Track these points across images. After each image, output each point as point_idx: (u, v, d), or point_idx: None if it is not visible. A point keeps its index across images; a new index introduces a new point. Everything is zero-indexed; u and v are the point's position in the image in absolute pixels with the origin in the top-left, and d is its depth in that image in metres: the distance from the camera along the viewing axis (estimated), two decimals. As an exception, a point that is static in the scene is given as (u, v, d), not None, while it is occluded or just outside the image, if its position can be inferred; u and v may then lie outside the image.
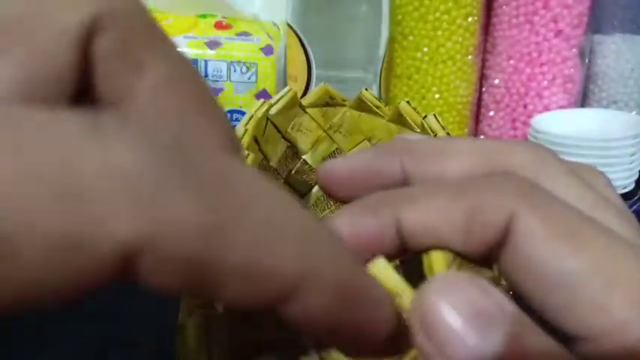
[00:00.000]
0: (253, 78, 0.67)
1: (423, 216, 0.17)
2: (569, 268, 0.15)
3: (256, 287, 0.12)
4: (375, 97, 0.36)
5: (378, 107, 0.36)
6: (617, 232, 0.16)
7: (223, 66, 0.66)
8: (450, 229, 0.17)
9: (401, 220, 0.17)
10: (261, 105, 0.32)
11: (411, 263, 0.19)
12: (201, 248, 0.11)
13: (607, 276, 0.15)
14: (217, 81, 0.66)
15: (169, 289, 0.12)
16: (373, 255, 0.17)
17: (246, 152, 0.24)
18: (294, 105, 0.36)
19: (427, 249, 0.17)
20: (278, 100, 0.34)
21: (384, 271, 0.15)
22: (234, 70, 0.66)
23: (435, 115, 0.31)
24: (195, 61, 0.66)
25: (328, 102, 0.37)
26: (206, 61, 0.66)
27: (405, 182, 0.19)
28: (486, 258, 0.17)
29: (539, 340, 0.14)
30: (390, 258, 0.17)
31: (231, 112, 0.68)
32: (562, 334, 0.16)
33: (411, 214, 0.17)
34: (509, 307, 0.14)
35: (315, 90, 0.36)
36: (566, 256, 0.15)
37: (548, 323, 0.16)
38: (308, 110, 0.37)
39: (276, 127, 0.35)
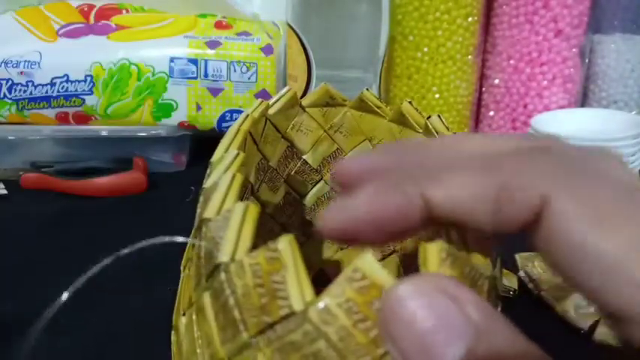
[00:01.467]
0: (253, 78, 0.67)
1: (452, 193, 0.17)
2: (607, 250, 0.15)
3: None
4: (376, 97, 0.36)
5: (379, 107, 0.35)
6: None
7: (223, 66, 0.66)
8: (480, 206, 0.16)
9: (428, 196, 0.17)
10: (259, 105, 0.32)
11: (408, 257, 0.19)
12: None
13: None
14: (217, 81, 0.66)
15: None
16: (397, 229, 0.17)
17: (237, 152, 0.24)
18: (294, 105, 0.36)
19: (454, 224, 0.17)
20: (277, 100, 0.34)
21: (370, 265, 0.15)
22: (234, 70, 0.66)
23: (439, 116, 0.30)
24: (195, 61, 0.66)
25: (328, 102, 0.37)
26: (206, 61, 0.66)
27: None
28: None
29: (506, 348, 0.14)
30: (411, 232, 0.17)
31: (231, 112, 0.68)
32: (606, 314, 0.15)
33: (438, 191, 0.17)
34: (476, 313, 0.14)
35: (315, 90, 0.36)
36: (603, 236, 0.15)
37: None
38: (308, 110, 0.37)
39: (275, 127, 0.35)
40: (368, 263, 0.15)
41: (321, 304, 0.15)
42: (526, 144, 0.18)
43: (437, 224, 0.17)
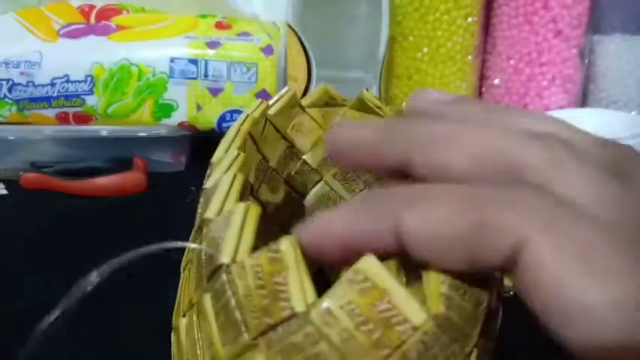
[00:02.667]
0: (253, 78, 0.67)
1: (425, 225, 0.16)
2: (590, 304, 0.14)
3: None
4: (375, 97, 0.36)
5: (379, 108, 0.35)
6: None
7: (223, 66, 0.66)
8: (453, 244, 0.15)
9: (401, 225, 0.16)
10: (259, 105, 0.32)
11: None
12: None
13: (633, 317, 0.13)
14: (217, 81, 0.66)
15: None
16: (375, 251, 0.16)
17: (237, 152, 0.24)
18: (294, 105, 0.36)
19: (425, 265, 0.16)
20: (277, 101, 0.34)
21: (372, 266, 0.15)
22: (234, 70, 0.66)
23: None
24: (195, 61, 0.66)
25: (328, 102, 0.37)
26: (206, 61, 0.66)
27: (407, 167, 0.18)
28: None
29: None
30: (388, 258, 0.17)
31: (232, 112, 0.68)
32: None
33: (411, 222, 0.16)
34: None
35: (315, 90, 0.36)
36: (586, 291, 0.14)
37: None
38: (308, 110, 0.37)
39: (275, 127, 0.35)
40: (370, 265, 0.15)
41: (323, 307, 0.15)
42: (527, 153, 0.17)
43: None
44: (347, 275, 0.15)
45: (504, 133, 0.18)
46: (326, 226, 0.17)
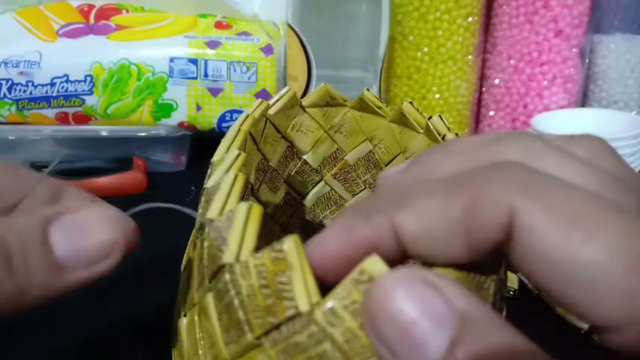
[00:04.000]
0: (253, 78, 0.67)
1: (419, 220, 0.16)
2: (584, 258, 0.14)
3: None
4: (376, 97, 0.36)
5: (379, 107, 0.35)
6: (630, 208, 0.15)
7: (223, 66, 0.66)
8: (449, 232, 0.16)
9: (396, 225, 0.16)
10: (259, 105, 0.32)
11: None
12: None
13: (628, 259, 0.14)
14: (217, 81, 0.66)
15: None
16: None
17: (237, 152, 0.24)
18: (294, 105, 0.36)
19: (426, 262, 0.16)
20: (277, 100, 0.34)
21: (377, 266, 0.15)
22: (234, 70, 0.66)
23: (440, 116, 0.30)
24: (194, 61, 0.66)
25: (329, 102, 0.37)
26: (206, 61, 0.66)
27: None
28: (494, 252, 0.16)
29: (492, 339, 0.13)
30: (391, 264, 0.16)
31: (232, 112, 0.68)
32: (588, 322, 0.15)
33: (406, 220, 0.16)
34: (459, 301, 0.14)
35: (315, 90, 0.36)
36: (578, 245, 0.14)
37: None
38: (308, 110, 0.37)
39: (275, 127, 0.35)
40: (375, 265, 0.15)
41: (327, 306, 0.15)
42: (497, 152, 0.18)
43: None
44: (351, 275, 0.15)
45: (476, 145, 0.19)
46: (321, 246, 0.17)
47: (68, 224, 0.20)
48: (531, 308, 0.41)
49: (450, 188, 0.16)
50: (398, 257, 0.17)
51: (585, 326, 0.38)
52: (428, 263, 0.17)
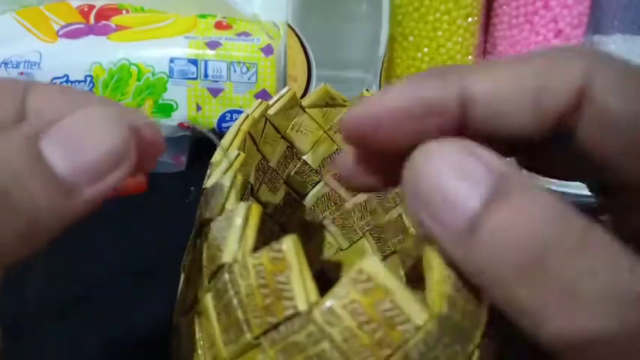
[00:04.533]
0: (253, 78, 0.67)
1: (491, 79, 0.16)
2: None
3: None
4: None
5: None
6: None
7: (223, 66, 0.66)
8: (519, 98, 0.16)
9: (468, 87, 0.16)
10: (258, 105, 0.32)
11: (409, 257, 0.19)
12: None
13: None
14: (217, 81, 0.66)
15: None
16: (433, 125, 0.16)
17: (237, 152, 0.24)
18: (294, 105, 0.36)
19: (488, 126, 0.16)
20: (277, 101, 0.34)
21: (375, 266, 0.15)
22: (234, 71, 0.66)
23: None
24: (194, 61, 0.66)
25: (328, 102, 0.37)
26: (206, 61, 0.66)
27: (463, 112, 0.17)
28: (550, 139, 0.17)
29: (529, 192, 0.14)
30: (446, 131, 0.17)
31: (232, 112, 0.68)
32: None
33: (478, 79, 0.16)
34: (497, 164, 0.14)
35: (315, 90, 0.36)
36: None
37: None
38: (308, 110, 0.37)
39: (275, 127, 0.35)
40: (373, 265, 0.15)
41: (325, 306, 0.15)
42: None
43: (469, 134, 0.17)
44: (350, 274, 0.15)
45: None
46: (387, 94, 0.17)
47: (60, 134, 0.16)
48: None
49: (518, 58, 0.16)
50: (455, 128, 0.17)
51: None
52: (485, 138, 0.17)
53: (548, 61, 0.16)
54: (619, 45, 0.70)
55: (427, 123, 0.16)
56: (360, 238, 0.39)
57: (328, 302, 0.15)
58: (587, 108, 0.15)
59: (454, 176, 0.14)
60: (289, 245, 0.16)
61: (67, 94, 0.19)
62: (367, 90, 0.36)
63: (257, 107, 0.31)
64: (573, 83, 0.15)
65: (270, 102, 0.34)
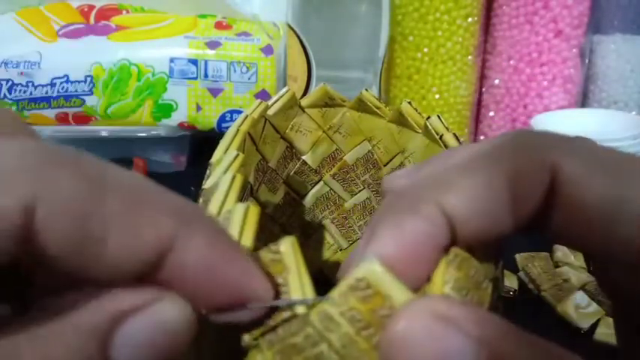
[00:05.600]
0: (253, 78, 0.67)
1: (468, 198, 0.16)
2: (630, 196, 0.15)
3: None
4: (375, 97, 0.36)
5: (378, 108, 0.35)
6: None
7: (223, 66, 0.66)
8: (497, 204, 0.16)
9: (446, 208, 0.16)
10: (258, 105, 0.32)
11: None
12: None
13: None
14: (217, 81, 0.66)
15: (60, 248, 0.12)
16: (435, 255, 0.16)
17: (236, 153, 0.24)
18: (293, 105, 0.36)
19: (477, 237, 0.16)
20: (276, 101, 0.34)
21: (374, 273, 0.15)
22: (234, 70, 0.66)
23: (438, 116, 0.30)
24: (194, 61, 0.66)
25: (327, 102, 0.37)
26: (206, 61, 0.66)
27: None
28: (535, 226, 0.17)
29: (512, 350, 0.13)
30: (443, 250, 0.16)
31: (232, 112, 0.68)
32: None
33: (455, 200, 0.16)
34: (476, 331, 0.13)
35: (314, 90, 0.36)
36: (622, 188, 0.15)
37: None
38: (307, 111, 0.37)
39: (274, 127, 0.35)
40: (372, 272, 0.15)
41: (323, 312, 0.15)
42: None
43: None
44: (349, 281, 0.15)
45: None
46: (381, 255, 0.16)
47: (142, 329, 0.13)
48: (531, 308, 0.41)
49: (487, 161, 0.16)
50: (448, 243, 0.16)
51: (585, 326, 0.38)
52: (473, 243, 0.17)
53: (517, 158, 0.16)
54: (619, 45, 0.70)
55: (428, 251, 0.16)
56: (360, 237, 0.39)
57: (326, 309, 0.15)
58: (558, 198, 0.16)
59: (433, 357, 0.13)
60: (287, 247, 0.16)
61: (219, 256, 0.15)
62: (366, 90, 0.36)
63: (256, 107, 0.31)
64: (543, 180, 0.16)
65: (270, 102, 0.34)
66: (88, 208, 0.12)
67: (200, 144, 0.69)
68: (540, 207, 0.16)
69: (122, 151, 0.62)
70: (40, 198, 0.12)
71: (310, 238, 0.39)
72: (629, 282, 0.16)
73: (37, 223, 0.12)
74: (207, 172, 0.24)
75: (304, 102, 0.36)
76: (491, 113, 0.73)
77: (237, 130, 0.28)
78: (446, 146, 0.28)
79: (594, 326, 0.38)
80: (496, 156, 0.16)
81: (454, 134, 0.28)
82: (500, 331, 0.14)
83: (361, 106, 0.36)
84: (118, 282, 0.13)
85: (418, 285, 0.16)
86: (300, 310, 0.15)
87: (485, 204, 0.16)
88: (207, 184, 0.23)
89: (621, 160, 0.16)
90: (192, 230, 0.14)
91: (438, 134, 0.29)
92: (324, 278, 0.38)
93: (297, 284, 0.16)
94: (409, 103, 0.33)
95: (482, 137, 0.75)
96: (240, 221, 0.18)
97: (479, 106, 0.75)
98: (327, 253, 0.40)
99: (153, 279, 0.14)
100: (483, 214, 0.16)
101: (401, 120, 0.34)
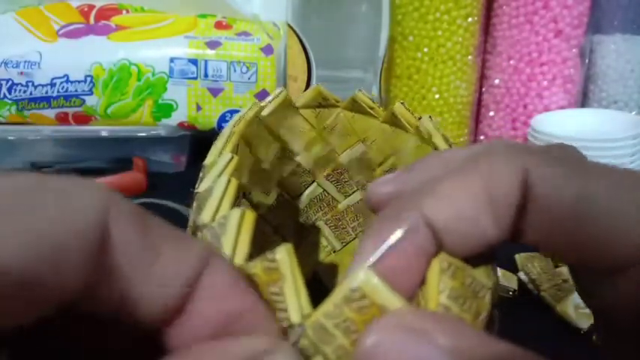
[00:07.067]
0: (253, 78, 0.67)
1: (448, 204, 0.16)
2: (599, 194, 0.15)
3: None
4: (369, 97, 0.35)
5: (372, 108, 0.35)
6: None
7: (223, 66, 0.66)
8: (476, 209, 0.16)
9: (427, 214, 0.16)
10: (252, 106, 0.31)
11: None
12: None
13: (634, 200, 0.15)
14: (217, 81, 0.66)
15: None
16: (421, 263, 0.16)
17: (230, 155, 0.24)
18: (287, 106, 0.36)
19: (463, 242, 0.16)
20: (270, 102, 0.34)
21: (369, 284, 0.15)
22: (234, 70, 0.66)
23: (430, 117, 0.30)
24: (195, 61, 0.66)
25: (321, 103, 0.36)
26: (206, 61, 0.66)
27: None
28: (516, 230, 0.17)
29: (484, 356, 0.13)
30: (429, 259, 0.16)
31: (232, 112, 0.68)
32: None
33: (436, 207, 0.16)
34: (446, 341, 0.13)
35: (308, 91, 0.36)
36: (593, 187, 0.16)
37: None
38: (301, 111, 0.37)
39: (268, 128, 0.35)
40: (367, 282, 0.15)
41: (318, 323, 0.15)
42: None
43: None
44: (344, 292, 0.15)
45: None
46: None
47: None
48: (531, 308, 0.41)
49: (465, 167, 0.17)
50: (434, 250, 0.17)
51: (585, 326, 0.38)
52: (462, 250, 0.17)
53: (487, 166, 0.16)
54: (619, 45, 0.70)
55: (418, 262, 0.16)
56: (354, 239, 0.39)
57: (321, 320, 0.15)
58: (531, 199, 0.16)
59: None
60: (283, 255, 0.16)
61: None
62: (360, 90, 0.36)
63: (250, 108, 0.31)
64: (516, 181, 0.16)
65: (264, 103, 0.34)
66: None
67: (200, 144, 0.69)
68: (518, 206, 0.16)
69: (122, 151, 0.62)
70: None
71: (304, 239, 0.39)
72: (607, 292, 0.17)
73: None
74: (201, 174, 0.24)
75: (298, 103, 0.36)
76: (491, 113, 0.73)
77: (232, 131, 0.28)
78: (436, 148, 0.27)
79: (594, 326, 0.38)
80: (473, 161, 0.17)
81: (443, 135, 0.28)
82: (473, 342, 0.13)
83: (355, 106, 0.36)
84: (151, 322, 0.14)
85: (408, 294, 0.16)
86: (295, 319, 0.15)
87: (464, 207, 0.16)
88: (200, 187, 0.22)
89: (587, 163, 0.16)
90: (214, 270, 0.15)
91: (428, 135, 0.29)
92: (318, 281, 0.38)
93: (293, 294, 0.16)
94: (402, 103, 0.33)
95: (482, 137, 0.75)
96: (236, 227, 0.18)
97: (479, 106, 0.75)
98: (321, 255, 0.40)
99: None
100: (464, 218, 0.16)
101: (394, 121, 0.34)
